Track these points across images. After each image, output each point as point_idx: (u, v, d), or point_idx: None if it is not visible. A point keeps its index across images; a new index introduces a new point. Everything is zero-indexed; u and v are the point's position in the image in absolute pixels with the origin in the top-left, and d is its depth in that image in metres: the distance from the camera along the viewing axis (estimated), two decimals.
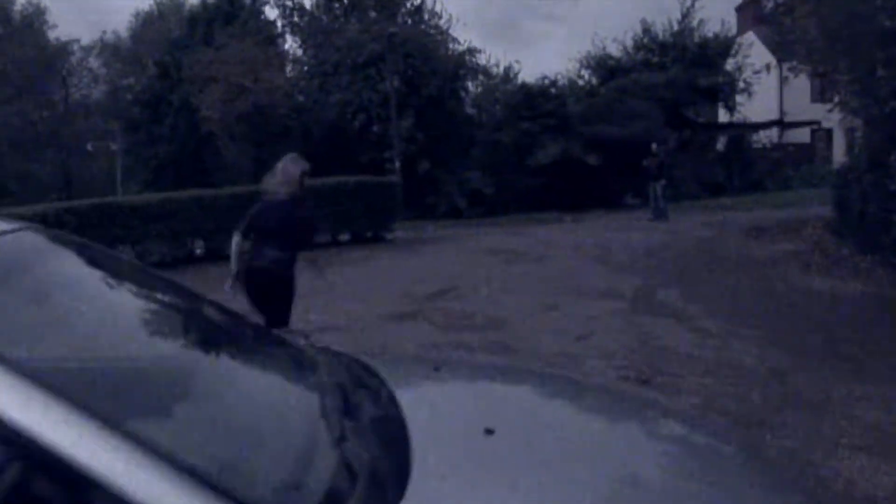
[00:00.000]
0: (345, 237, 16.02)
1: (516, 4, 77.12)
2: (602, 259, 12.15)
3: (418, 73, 23.76)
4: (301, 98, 23.92)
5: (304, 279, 6.02)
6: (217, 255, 13.96)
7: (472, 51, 25.45)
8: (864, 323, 7.27)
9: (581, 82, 29.74)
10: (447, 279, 10.62)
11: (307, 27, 26.10)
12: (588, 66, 30.06)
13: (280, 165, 5.35)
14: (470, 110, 24.99)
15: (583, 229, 17.35)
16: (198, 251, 14.70)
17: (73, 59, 41.59)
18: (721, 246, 13.12)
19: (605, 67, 29.50)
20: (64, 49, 40.61)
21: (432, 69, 23.62)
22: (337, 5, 27.60)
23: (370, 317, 8.29)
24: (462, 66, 24.44)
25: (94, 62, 42.57)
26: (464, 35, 72.85)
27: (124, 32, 44.50)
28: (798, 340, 6.64)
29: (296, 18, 27.68)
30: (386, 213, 16.37)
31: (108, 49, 43.22)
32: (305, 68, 25.40)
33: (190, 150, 26.94)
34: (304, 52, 26.16)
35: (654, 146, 18.78)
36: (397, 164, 22.30)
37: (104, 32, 43.09)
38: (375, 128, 23.46)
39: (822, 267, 10.33)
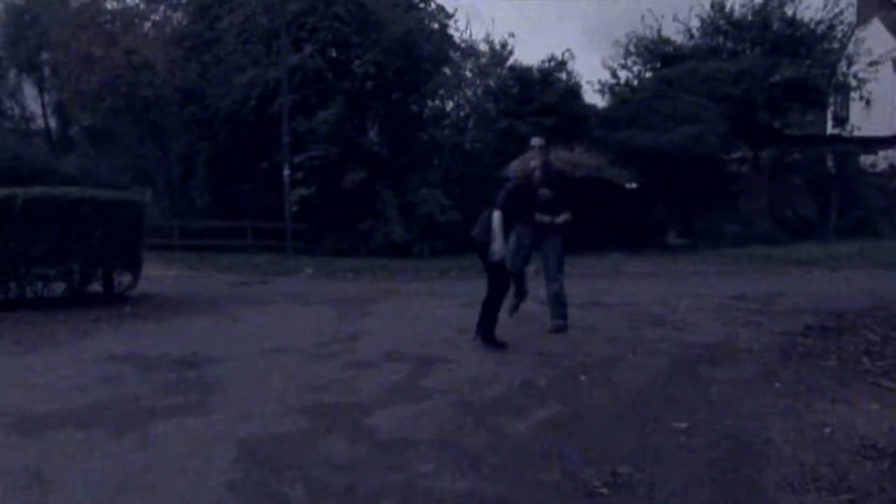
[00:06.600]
0: (33, 292, 8.59)
1: None
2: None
3: (350, 45, 16.18)
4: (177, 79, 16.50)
5: None
6: None
7: (437, 15, 17.28)
8: None
9: (626, 74, 21.63)
10: None
11: None
12: (636, 53, 21.83)
13: None
14: (436, 103, 17.24)
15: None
16: None
17: None
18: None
19: (657, 55, 21.23)
20: None
21: (373, 40, 16.02)
22: None
23: None
24: (414, 37, 15.80)
25: None
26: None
27: None
28: None
29: None
30: (121, 253, 8.94)
31: None
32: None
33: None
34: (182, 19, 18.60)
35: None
36: (286, 174, 15.01)
37: None
38: (269, 113, 15.82)
39: None
